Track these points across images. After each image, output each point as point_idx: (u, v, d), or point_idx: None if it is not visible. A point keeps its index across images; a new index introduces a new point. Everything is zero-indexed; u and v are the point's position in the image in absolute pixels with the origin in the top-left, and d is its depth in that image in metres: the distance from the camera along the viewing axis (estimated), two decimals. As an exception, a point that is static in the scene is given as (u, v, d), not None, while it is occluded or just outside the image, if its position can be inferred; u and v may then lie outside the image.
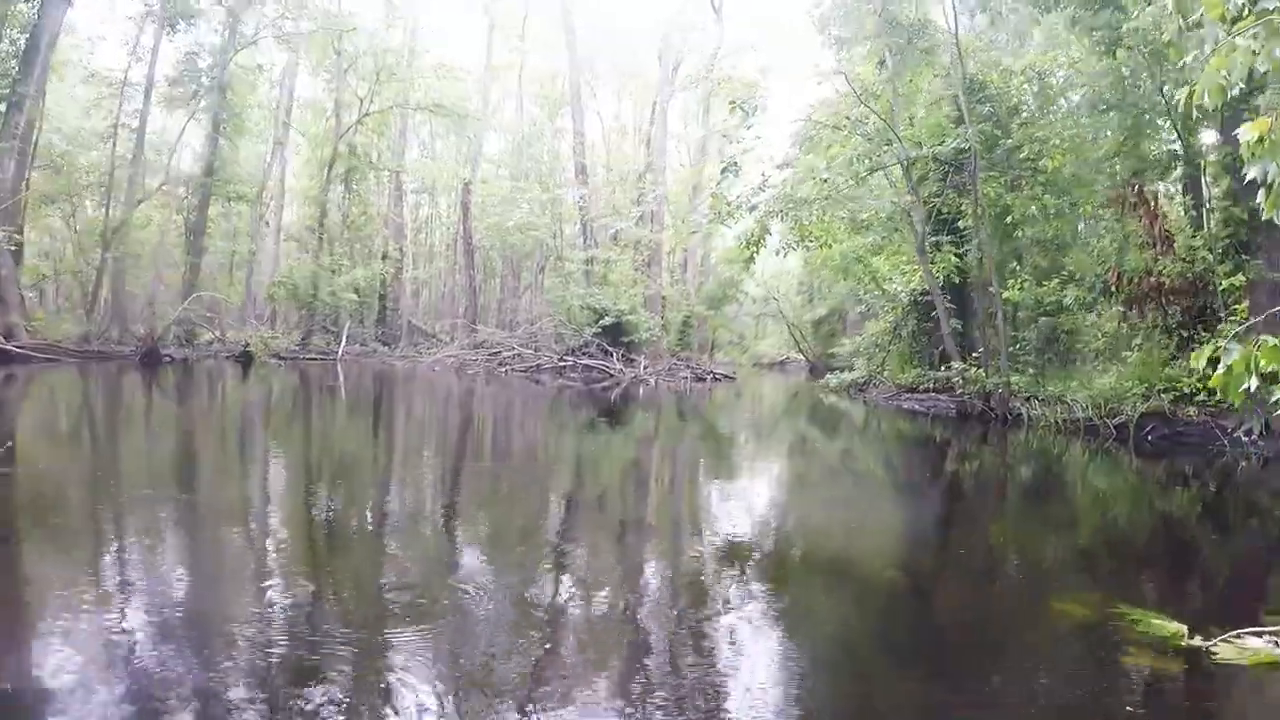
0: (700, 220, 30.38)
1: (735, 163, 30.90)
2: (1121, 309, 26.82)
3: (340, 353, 49.38)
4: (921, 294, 35.74)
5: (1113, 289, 26.30)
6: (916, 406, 32.37)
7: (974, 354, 29.53)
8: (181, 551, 9.32)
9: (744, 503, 14.40)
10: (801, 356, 71.51)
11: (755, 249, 29.44)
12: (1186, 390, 23.02)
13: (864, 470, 20.13)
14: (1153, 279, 24.89)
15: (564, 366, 45.18)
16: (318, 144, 57.85)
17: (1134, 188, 26.45)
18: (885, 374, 37.92)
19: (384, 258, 60.48)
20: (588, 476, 16.48)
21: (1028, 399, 27.05)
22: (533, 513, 12.57)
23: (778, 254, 30.81)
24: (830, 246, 34.32)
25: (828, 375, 42.94)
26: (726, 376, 48.65)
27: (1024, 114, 30.10)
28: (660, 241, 59.44)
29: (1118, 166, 28.88)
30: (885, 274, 37.75)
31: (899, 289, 37.49)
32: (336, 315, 54.54)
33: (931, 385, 33.95)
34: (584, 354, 45.89)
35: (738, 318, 78.31)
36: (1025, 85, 29.15)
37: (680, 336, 60.61)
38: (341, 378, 38.58)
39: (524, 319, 55.88)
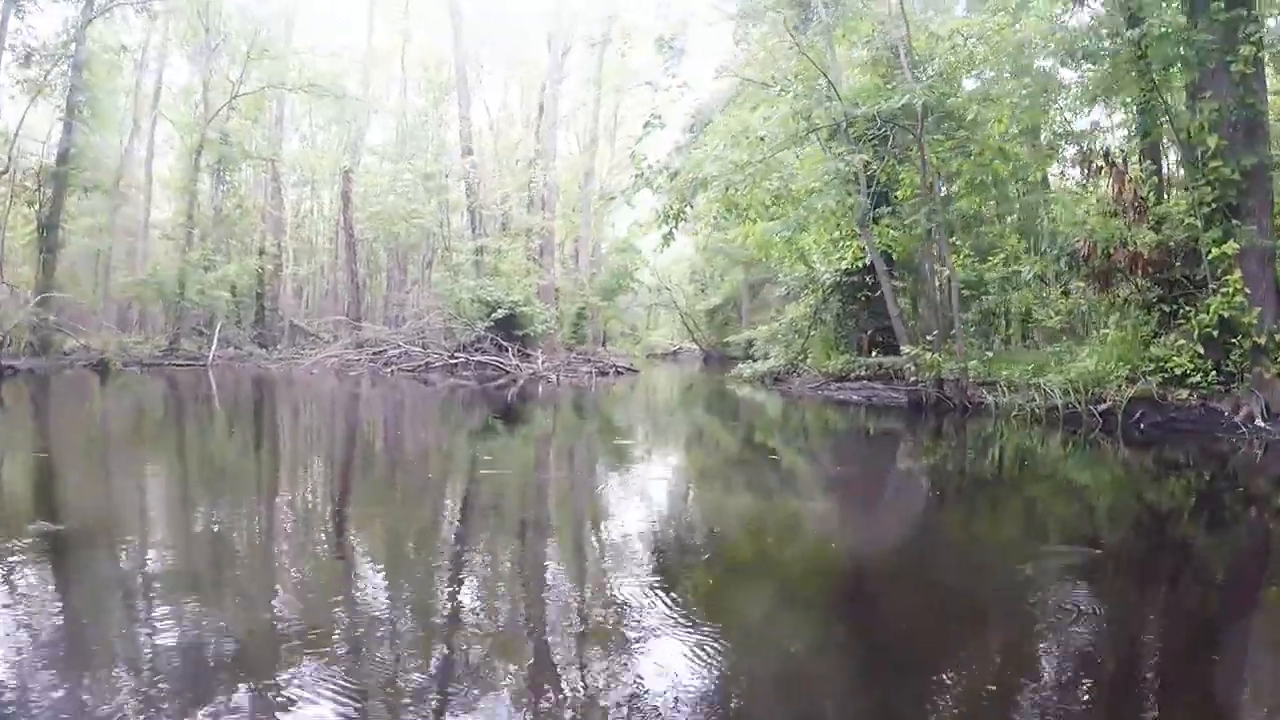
0: (618, 190, 25.29)
1: (659, 116, 25.85)
2: (1092, 283, 23.45)
3: (211, 357, 42.99)
4: (846, 274, 31.67)
5: (1080, 262, 22.89)
6: (853, 396, 28.25)
7: (924, 338, 25.27)
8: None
9: (691, 525, 11.06)
10: (695, 346, 69.57)
11: (674, 224, 24.84)
12: (1178, 371, 19.64)
13: (807, 471, 16.41)
14: (1129, 249, 21.37)
15: (456, 364, 39.84)
16: (188, 131, 51.54)
17: (1102, 151, 23.67)
18: (808, 362, 33.53)
19: (261, 253, 54.73)
20: (487, 500, 12.07)
21: (984, 385, 23.26)
22: (429, 533, 10.05)
23: (698, 234, 26.16)
24: (755, 222, 29.57)
25: (740, 365, 38.36)
26: (629, 369, 44.32)
27: (973, 70, 25.78)
28: (552, 230, 54.69)
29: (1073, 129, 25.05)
30: (813, 252, 33.23)
31: (823, 270, 33.19)
32: (211, 317, 48.52)
33: (864, 373, 29.98)
34: (477, 350, 40.66)
35: (630, 309, 75.62)
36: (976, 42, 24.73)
37: (575, 329, 55.85)
38: (214, 385, 32.65)
39: (412, 315, 50.09)
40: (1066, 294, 25.47)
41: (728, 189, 24.07)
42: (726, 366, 54.46)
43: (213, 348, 43.95)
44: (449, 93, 57.62)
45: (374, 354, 41.59)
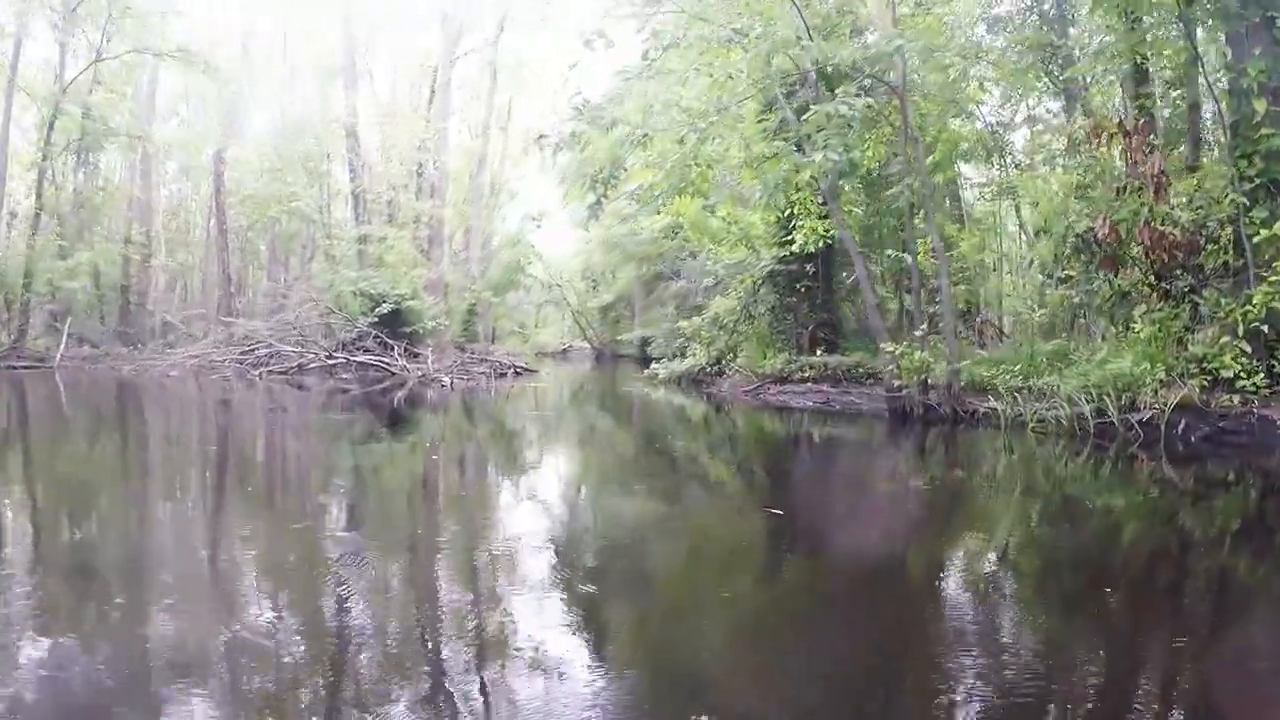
0: (552, 137, 19.49)
1: (603, 34, 19.46)
2: (1098, 271, 19.12)
3: (59, 357, 36.09)
4: (783, 262, 26.54)
5: (1093, 245, 18.54)
6: (804, 402, 23.22)
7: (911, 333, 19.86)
8: None
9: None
10: (586, 344, 65.92)
11: (604, 192, 19.43)
12: (1225, 374, 15.68)
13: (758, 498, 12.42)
14: (1156, 230, 17.07)
15: (335, 365, 33.45)
16: (43, 103, 43.63)
17: (1118, 117, 19.49)
18: (738, 361, 28.28)
19: (128, 242, 47.65)
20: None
21: (973, 390, 18.79)
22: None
23: (598, 225, 20.79)
24: (691, 196, 23.98)
25: (655, 365, 33.09)
26: (527, 369, 38.62)
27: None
28: (442, 219, 48.60)
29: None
30: (755, 232, 27.82)
31: (757, 257, 28.01)
32: (66, 311, 41.37)
33: (809, 374, 24.97)
34: (359, 349, 34.53)
35: (519, 305, 69.53)
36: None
37: (465, 326, 50.13)
38: (31, 395, 26.48)
39: (288, 309, 43.26)
40: (1066, 280, 20.64)
41: (683, 142, 18.12)
42: (620, 365, 51.45)
43: (61, 347, 37.10)
44: (336, 77, 50.81)
45: (242, 354, 34.81)
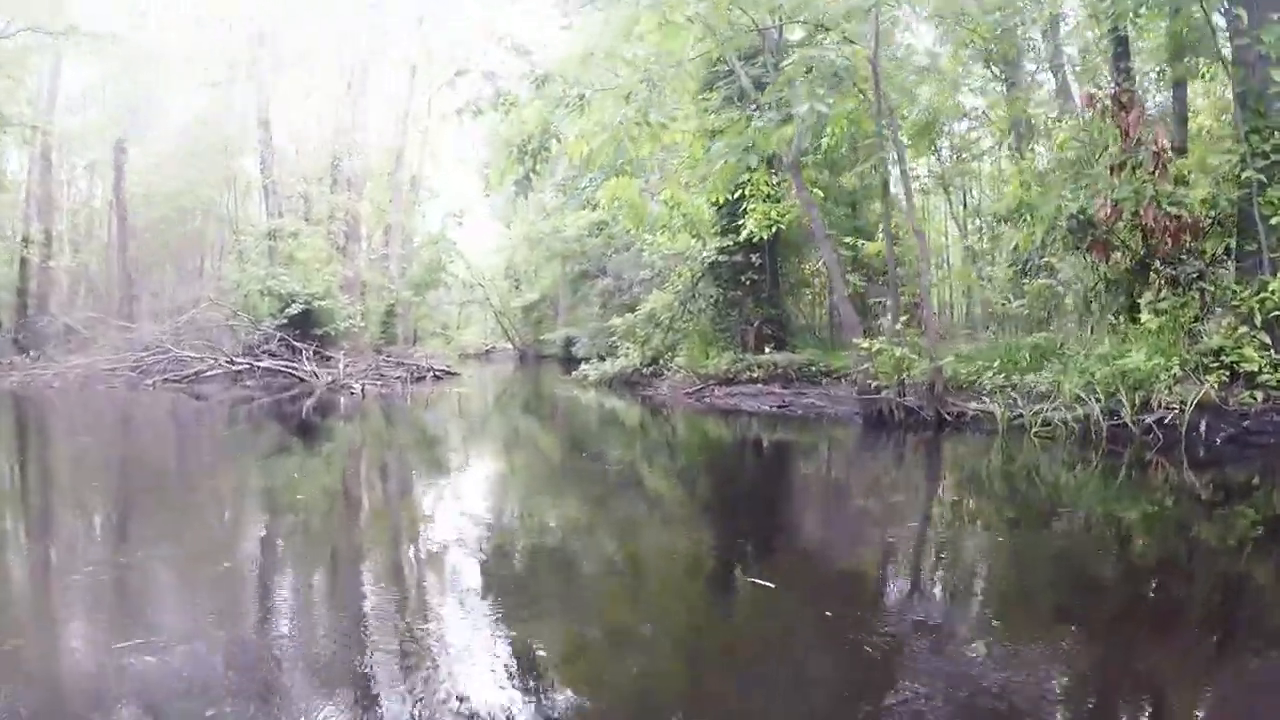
0: (481, 96, 16.37)
1: None
2: (1088, 256, 16.93)
3: None
4: (727, 251, 23.89)
5: (1088, 228, 16.23)
6: (759, 406, 20.34)
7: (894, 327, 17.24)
8: None
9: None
10: (509, 345, 62.70)
11: (533, 165, 16.46)
12: (1245, 368, 13.75)
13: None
14: (1164, 212, 15.10)
15: (240, 372, 29.59)
16: None
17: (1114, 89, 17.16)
18: (677, 361, 25.45)
19: (25, 241, 43.57)
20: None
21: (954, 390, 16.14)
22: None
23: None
24: (629, 175, 20.98)
25: (584, 366, 30.02)
26: (448, 372, 35.16)
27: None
28: (359, 215, 45.30)
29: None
30: (701, 217, 24.77)
31: (697, 248, 25.24)
32: None
33: (759, 374, 22.35)
34: (265, 353, 31.15)
35: (441, 305, 66.21)
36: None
37: (384, 327, 46.98)
38: None
39: (198, 313, 39.08)
40: (1046, 267, 18.25)
41: (629, 99, 15.10)
42: (544, 366, 47.93)
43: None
44: (249, 65, 46.84)
45: (135, 361, 30.57)
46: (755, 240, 22.08)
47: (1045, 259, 18.62)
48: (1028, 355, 16.87)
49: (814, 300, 29.17)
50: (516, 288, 63.48)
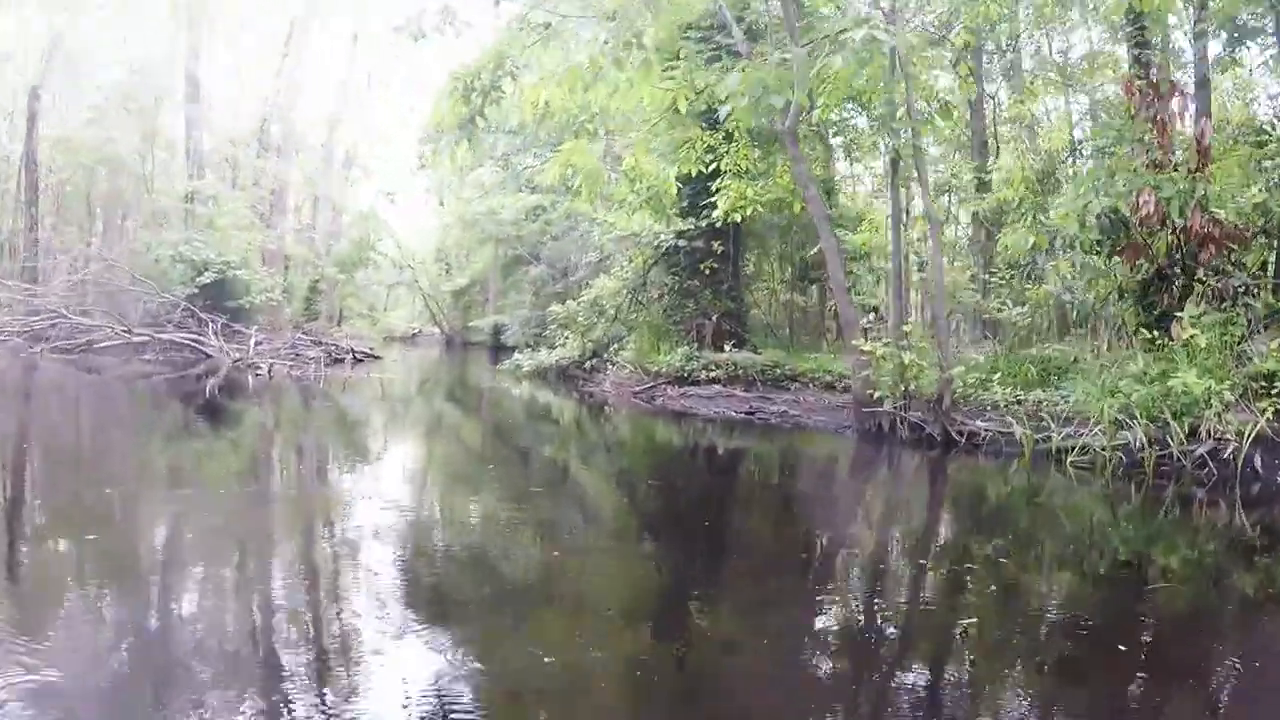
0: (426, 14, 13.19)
1: None
2: (1127, 261, 14.21)
3: None
4: (688, 236, 21.00)
5: (1122, 229, 13.85)
6: (717, 411, 17.50)
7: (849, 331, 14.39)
8: None
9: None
10: (437, 330, 58.70)
11: (482, 104, 13.35)
12: None
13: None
14: (1208, 216, 12.95)
15: (144, 343, 25.84)
16: None
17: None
18: (623, 355, 22.34)
19: None
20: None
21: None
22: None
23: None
24: (589, 134, 17.55)
25: (516, 355, 26.59)
26: (369, 355, 31.37)
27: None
28: (287, 183, 41.66)
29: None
30: (670, 193, 20.60)
31: (652, 230, 21.95)
32: None
33: (717, 375, 19.49)
34: (171, 324, 27.63)
35: (369, 286, 61.99)
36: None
37: (307, 304, 43.43)
38: None
39: (95, 277, 34.76)
40: (1055, 272, 15.61)
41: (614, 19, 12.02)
42: (471, 353, 45.06)
43: None
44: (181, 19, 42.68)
45: (23, 326, 26.57)
46: (720, 225, 19.26)
47: (1053, 262, 15.96)
48: (1033, 369, 14.29)
49: (771, 296, 26.26)
50: (447, 271, 59.80)
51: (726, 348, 19.82)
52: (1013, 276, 17.76)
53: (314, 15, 43.33)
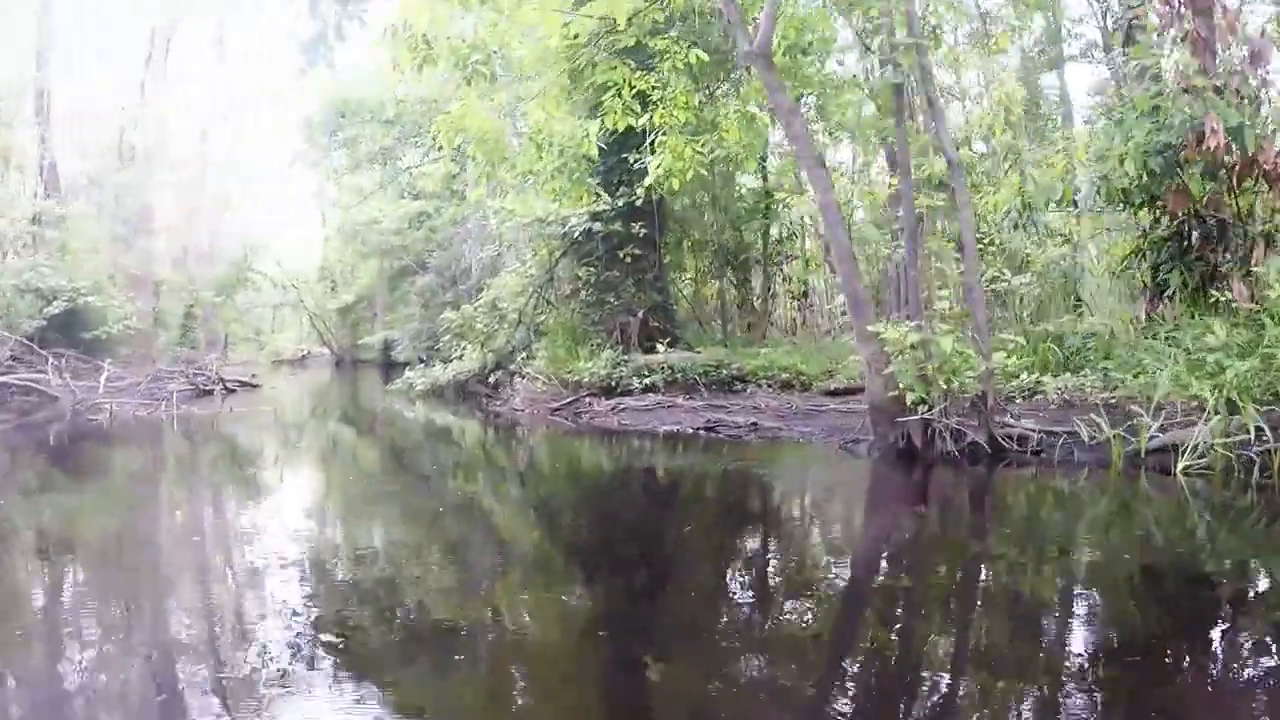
0: None
1: None
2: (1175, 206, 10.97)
3: None
4: (602, 218, 17.16)
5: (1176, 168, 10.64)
6: (663, 425, 13.81)
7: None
8: None
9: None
10: (326, 350, 54.24)
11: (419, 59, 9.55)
12: None
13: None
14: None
15: None
16: None
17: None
18: (534, 365, 18.20)
19: None
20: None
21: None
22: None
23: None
24: (484, 79, 13.05)
25: (408, 373, 22.31)
26: (245, 384, 26.60)
27: None
28: (151, 204, 36.70)
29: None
30: (593, 154, 15.96)
31: (560, 216, 17.66)
32: None
33: (652, 380, 15.82)
34: (16, 363, 22.48)
35: (253, 309, 57.36)
36: None
37: (183, 332, 38.73)
38: None
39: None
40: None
41: None
42: (362, 372, 41.91)
43: None
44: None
45: None
46: (641, 203, 15.61)
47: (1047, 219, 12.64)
48: (1057, 349, 10.98)
49: (697, 286, 22.45)
50: (333, 289, 55.50)
51: (660, 348, 16.14)
52: (995, 241, 14.42)
53: (176, 24, 38.65)
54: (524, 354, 18.95)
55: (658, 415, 14.37)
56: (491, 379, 19.57)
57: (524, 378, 18.01)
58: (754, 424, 12.52)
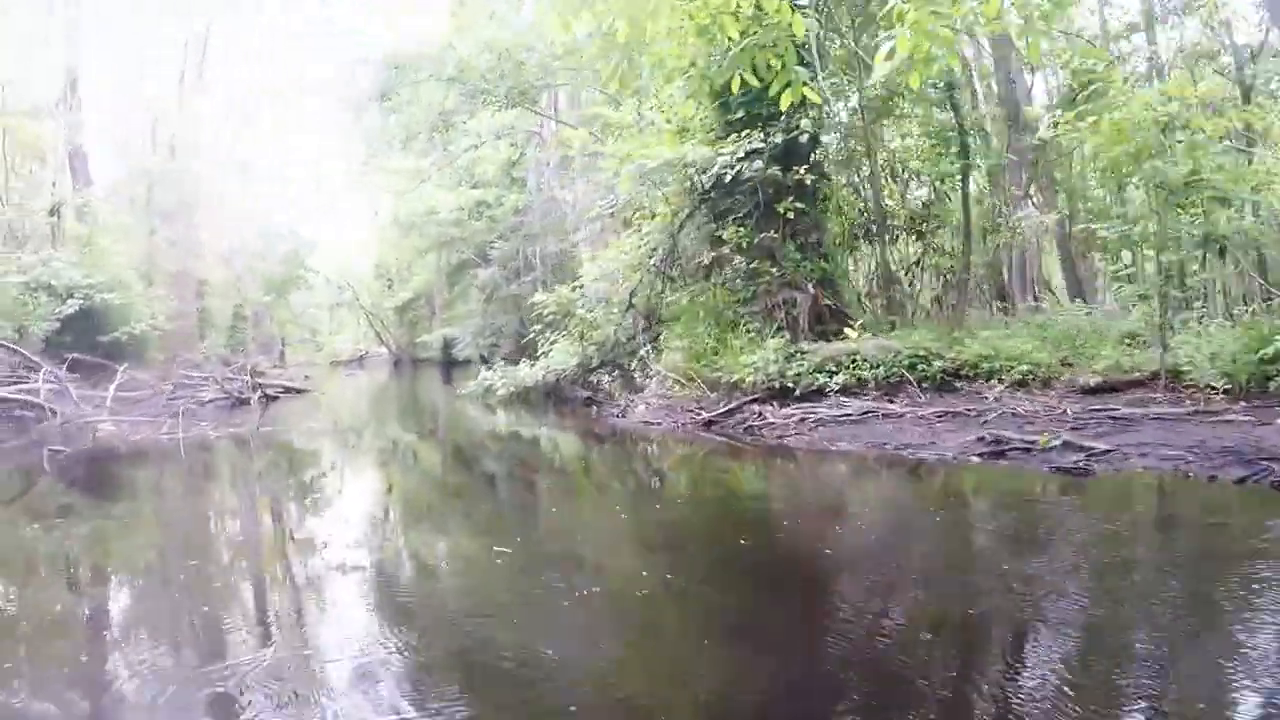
0: None
1: None
2: None
3: None
4: (758, 156, 11.75)
5: None
6: (917, 447, 8.42)
7: None
8: None
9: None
10: (385, 349, 50.39)
11: None
12: None
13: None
14: None
15: None
16: None
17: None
18: (666, 360, 12.65)
19: None
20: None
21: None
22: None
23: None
24: None
25: (484, 372, 17.22)
26: (291, 389, 21.35)
27: None
28: (196, 193, 31.66)
29: None
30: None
31: (708, 154, 11.96)
32: None
33: (848, 380, 10.61)
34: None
35: (307, 310, 52.92)
36: None
37: (231, 334, 34.22)
38: None
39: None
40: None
41: None
42: (421, 372, 37.90)
43: None
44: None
45: None
46: (806, 134, 10.51)
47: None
48: None
49: (849, 255, 16.26)
50: (389, 287, 51.53)
51: (847, 332, 10.92)
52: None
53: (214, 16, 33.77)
54: (647, 346, 13.57)
55: (874, 429, 9.28)
56: (596, 379, 14.46)
57: (650, 377, 12.78)
58: (1087, 448, 7.32)
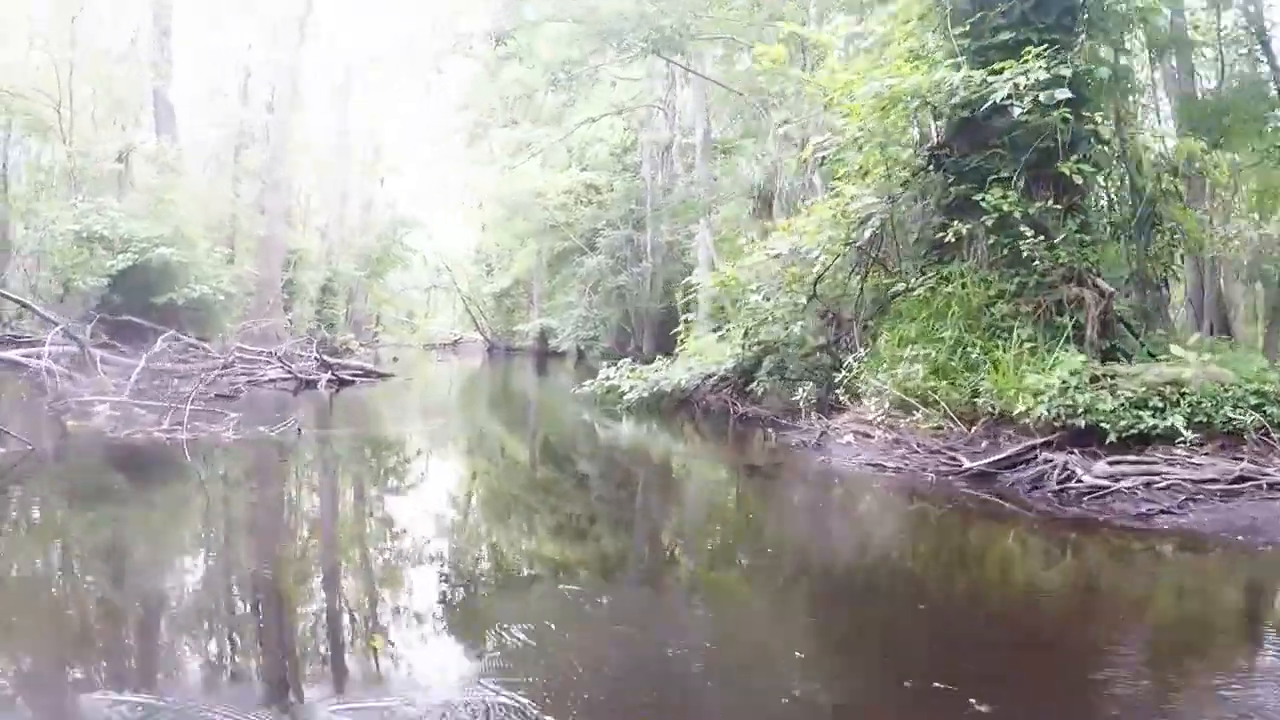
0: None
1: None
2: None
3: None
4: (1014, 96, 7.46)
5: None
6: None
7: None
8: None
9: None
10: (479, 335, 47.06)
11: None
12: None
13: None
14: None
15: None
16: None
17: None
18: (878, 378, 8.38)
19: None
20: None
21: None
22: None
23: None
24: None
25: (606, 370, 13.03)
26: (371, 373, 17.57)
27: None
28: (284, 150, 28.10)
29: None
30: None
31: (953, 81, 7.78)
32: None
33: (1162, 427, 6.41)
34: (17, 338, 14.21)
35: (404, 290, 51.78)
36: None
37: (318, 309, 31.36)
38: None
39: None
40: None
41: None
42: (514, 361, 35.51)
43: None
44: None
45: None
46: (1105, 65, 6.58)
47: None
48: None
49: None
50: (488, 272, 48.98)
51: (1171, 352, 6.77)
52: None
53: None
54: (860, 351, 9.30)
55: (1265, 510, 5.26)
56: (755, 387, 10.49)
57: (857, 395, 8.72)
58: None
